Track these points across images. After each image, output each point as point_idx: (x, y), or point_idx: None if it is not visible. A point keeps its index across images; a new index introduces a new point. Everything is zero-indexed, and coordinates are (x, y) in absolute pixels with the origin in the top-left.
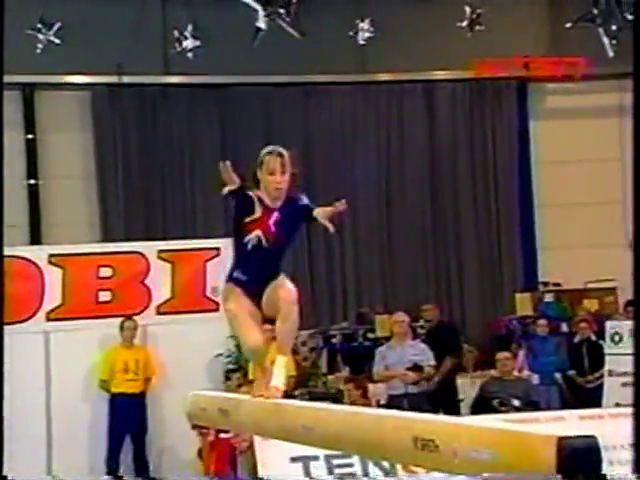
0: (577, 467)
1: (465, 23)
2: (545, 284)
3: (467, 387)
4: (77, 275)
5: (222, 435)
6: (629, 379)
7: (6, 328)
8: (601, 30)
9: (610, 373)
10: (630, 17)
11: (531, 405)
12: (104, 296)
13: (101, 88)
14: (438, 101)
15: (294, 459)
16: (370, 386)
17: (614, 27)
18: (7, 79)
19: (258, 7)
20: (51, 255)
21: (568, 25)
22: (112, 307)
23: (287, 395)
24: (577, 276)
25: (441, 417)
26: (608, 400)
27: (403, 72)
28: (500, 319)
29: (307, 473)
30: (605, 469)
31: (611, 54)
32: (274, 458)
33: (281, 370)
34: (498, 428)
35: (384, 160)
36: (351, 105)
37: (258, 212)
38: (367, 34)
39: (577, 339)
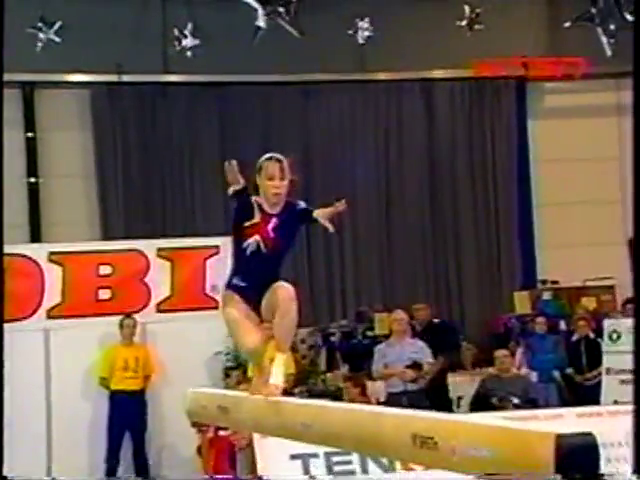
0: (575, 464)
1: (464, 22)
2: (544, 282)
3: (466, 385)
4: (77, 273)
5: (221, 432)
6: (627, 377)
7: (6, 326)
8: (599, 29)
9: (608, 371)
10: (628, 16)
11: (529, 403)
12: (104, 294)
13: (101, 87)
14: (437, 100)
15: (293, 456)
16: (369, 384)
17: (612, 26)
18: (7, 77)
19: (258, 6)
20: (51, 253)
21: (567, 24)
22: (112, 305)
23: (286, 393)
24: (575, 274)
25: (440, 415)
26: (606, 398)
27: (402, 71)
28: (499, 317)
29: (306, 470)
30: (603, 466)
31: (609, 53)
32: (273, 455)
33: (280, 368)
34: (497, 426)
35: (383, 159)
36: (350, 104)
37: (257, 217)
38: (366, 33)
39: (575, 337)
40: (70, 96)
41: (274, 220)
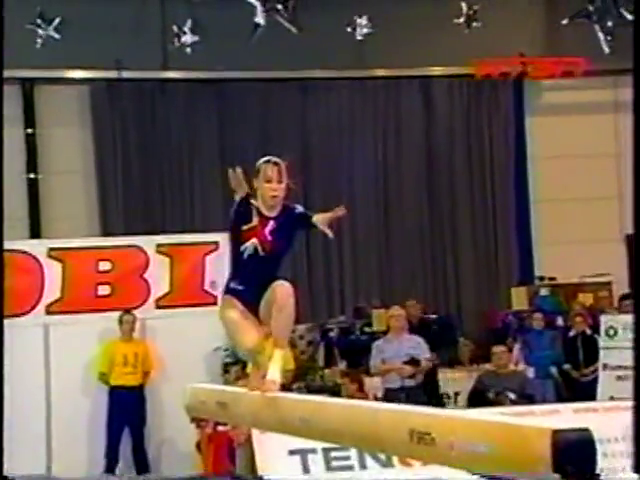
0: (572, 460)
1: (462, 20)
2: (541, 278)
3: (463, 380)
4: (76, 269)
5: (220, 428)
6: (624, 373)
7: (6, 321)
8: (597, 27)
9: (605, 367)
10: (625, 13)
11: (526, 398)
12: (103, 290)
13: (100, 83)
14: (435, 97)
15: (292, 452)
16: (367, 379)
17: (610, 24)
18: (7, 74)
19: (256, 3)
20: (51, 249)
21: (564, 22)
22: (111, 301)
23: (285, 388)
24: (572, 270)
25: (437, 410)
26: (603, 393)
27: (400, 68)
28: (496, 313)
29: (305, 466)
30: (599, 462)
31: (607, 50)
32: (272, 451)
33: (277, 363)
34: (494, 421)
35: (381, 155)
36: (349, 100)
37: (254, 221)
38: (365, 30)
39: (572, 333)
40: (69, 92)
41: (271, 223)
